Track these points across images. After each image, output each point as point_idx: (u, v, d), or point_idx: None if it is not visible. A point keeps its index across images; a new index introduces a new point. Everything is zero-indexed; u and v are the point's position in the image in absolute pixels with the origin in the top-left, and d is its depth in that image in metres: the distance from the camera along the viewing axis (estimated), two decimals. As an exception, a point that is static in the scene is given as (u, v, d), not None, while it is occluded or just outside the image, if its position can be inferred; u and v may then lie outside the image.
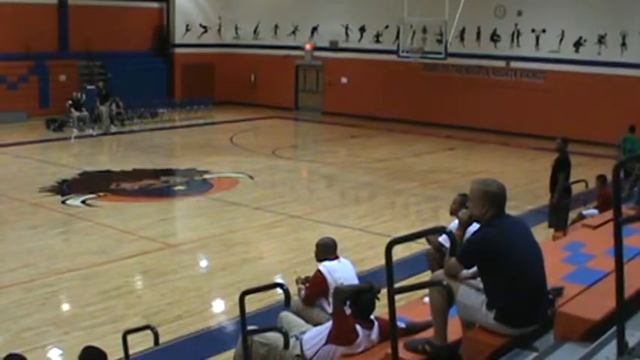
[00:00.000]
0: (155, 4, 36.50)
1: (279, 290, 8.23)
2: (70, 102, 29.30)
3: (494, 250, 5.65)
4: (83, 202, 17.86)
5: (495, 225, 5.75)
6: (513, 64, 29.23)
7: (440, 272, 6.24)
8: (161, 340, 8.99)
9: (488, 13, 29.36)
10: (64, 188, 19.28)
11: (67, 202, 17.90)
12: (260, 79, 36.96)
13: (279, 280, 10.98)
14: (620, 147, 20.29)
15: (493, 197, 5.77)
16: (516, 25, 28.92)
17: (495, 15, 29.34)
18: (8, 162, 22.88)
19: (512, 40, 29.19)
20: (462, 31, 29.69)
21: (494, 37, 29.62)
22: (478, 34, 29.95)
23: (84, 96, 30.13)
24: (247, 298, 7.43)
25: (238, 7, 37.55)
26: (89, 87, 31.24)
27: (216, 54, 37.60)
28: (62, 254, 13.86)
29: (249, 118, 33.48)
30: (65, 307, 11.76)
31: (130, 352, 8.51)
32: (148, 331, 8.78)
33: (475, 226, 6.09)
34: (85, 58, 32.85)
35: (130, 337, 8.51)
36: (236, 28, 37.86)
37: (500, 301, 5.65)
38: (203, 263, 14.24)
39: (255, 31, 37.24)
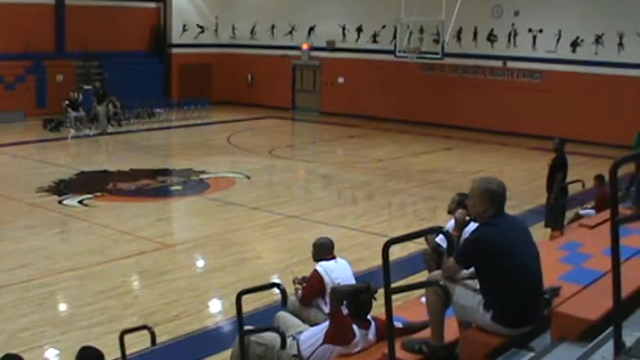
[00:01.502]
0: (152, 4, 36.49)
1: (275, 290, 8.23)
2: (67, 102, 29.29)
3: (492, 250, 5.64)
4: (80, 202, 17.84)
5: (494, 224, 5.75)
6: (510, 64, 29.27)
7: (437, 272, 6.25)
8: (158, 340, 8.97)
9: (485, 13, 29.40)
10: (61, 188, 19.25)
11: (64, 202, 17.89)
12: (257, 79, 36.98)
13: (275, 280, 10.97)
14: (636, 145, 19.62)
15: (493, 196, 5.77)
16: (513, 25, 28.95)
17: (492, 15, 29.38)
18: (5, 162, 22.86)
19: (509, 40, 29.22)
20: (459, 31, 29.74)
21: (491, 37, 29.65)
22: (475, 34, 29.98)
23: (81, 96, 30.15)
24: (244, 298, 7.43)
25: (235, 7, 37.55)
26: (86, 87, 31.24)
27: (214, 54, 37.62)
28: (59, 254, 13.84)
29: (247, 118, 33.47)
30: (62, 307, 11.75)
31: (127, 352, 8.50)
32: (145, 331, 8.77)
33: (473, 226, 6.09)
34: (82, 58, 32.85)
35: (126, 337, 8.50)
36: (233, 28, 37.90)
37: (497, 302, 5.65)
38: (200, 263, 14.23)
39: (252, 31, 37.26)
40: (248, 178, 20.95)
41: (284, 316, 7.79)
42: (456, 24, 27.42)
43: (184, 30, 36.74)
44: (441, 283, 5.79)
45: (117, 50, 33.64)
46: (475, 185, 5.88)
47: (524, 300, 5.66)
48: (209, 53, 37.41)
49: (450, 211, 8.96)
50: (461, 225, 6.31)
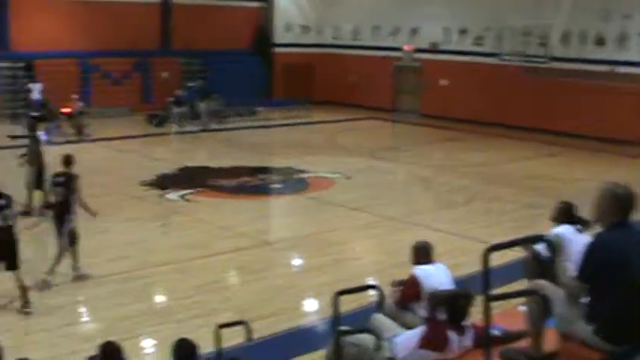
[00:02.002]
0: (256, 4, 36.90)
1: (371, 292, 8.20)
2: (173, 99, 29.87)
3: (608, 258, 5.42)
4: (182, 196, 18.16)
5: (616, 231, 5.54)
6: (619, 69, 28.45)
7: (538, 282, 6.12)
8: (253, 336, 9.02)
9: (593, 16, 28.63)
10: (164, 182, 19.61)
11: (166, 196, 18.24)
12: (358, 80, 36.91)
13: (373, 282, 10.93)
14: None
15: (617, 200, 5.54)
16: (623, 28, 28.13)
17: (600, 18, 28.61)
18: (111, 155, 23.44)
19: (619, 44, 28.43)
20: (566, 35, 29.08)
21: (599, 41, 28.87)
22: (582, 37, 29.22)
23: (185, 93, 30.69)
24: (340, 298, 7.41)
25: (338, 7, 37.65)
26: (189, 84, 31.80)
27: (316, 54, 37.81)
28: (160, 247, 14.13)
29: (347, 118, 33.52)
30: (160, 299, 12.00)
31: (222, 346, 8.57)
32: (241, 327, 8.82)
33: (584, 237, 5.92)
34: (186, 55, 33.44)
35: (222, 332, 8.57)
36: (336, 29, 37.98)
37: (602, 315, 5.46)
38: (297, 262, 14.29)
39: (354, 32, 37.27)
40: (347, 178, 20.95)
41: (380, 319, 7.75)
42: (563, 27, 26.83)
43: (287, 30, 37.02)
44: (541, 292, 5.66)
45: (220, 49, 34.13)
46: (602, 187, 5.67)
47: (633, 316, 5.45)
48: (311, 53, 37.62)
49: (554, 220, 8.78)
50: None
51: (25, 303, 10.82)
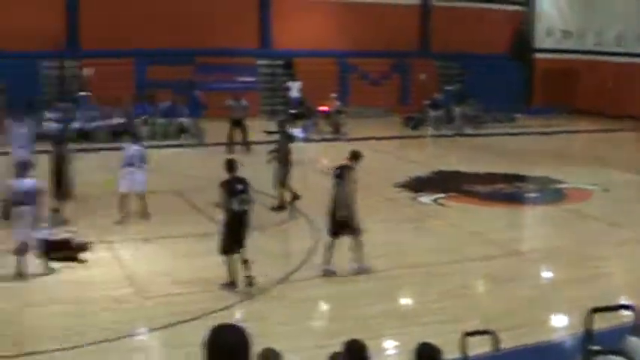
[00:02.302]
0: (516, 7, 36.33)
1: (626, 312, 7.85)
2: (429, 102, 30.03)
3: None
4: (435, 200, 18.23)
5: None
6: None
7: None
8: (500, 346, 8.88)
9: None
10: (417, 185, 19.75)
11: (419, 199, 18.36)
12: (620, 88, 35.17)
13: (628, 302, 10.43)
14: None
15: None
16: None
17: None
18: (367, 156, 23.78)
19: None
20: None
21: None
22: None
23: (442, 96, 30.76)
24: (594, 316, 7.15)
25: (601, 12, 36.15)
26: (447, 88, 31.84)
27: (578, 60, 36.58)
28: (411, 249, 14.29)
29: (609, 128, 32.22)
30: (407, 301, 12.15)
31: (468, 354, 8.50)
32: (486, 336, 8.71)
33: None
34: (444, 58, 33.51)
35: (468, 340, 8.50)
36: (598, 34, 36.49)
37: None
38: (548, 274, 13.90)
39: (618, 38, 35.62)
40: (605, 191, 20.13)
41: (635, 342, 7.37)
42: None
43: (548, 35, 36.13)
44: None
45: (478, 52, 33.90)
46: None
47: None
48: (573, 59, 36.44)
49: None
50: None
51: (249, 283, 11.46)
